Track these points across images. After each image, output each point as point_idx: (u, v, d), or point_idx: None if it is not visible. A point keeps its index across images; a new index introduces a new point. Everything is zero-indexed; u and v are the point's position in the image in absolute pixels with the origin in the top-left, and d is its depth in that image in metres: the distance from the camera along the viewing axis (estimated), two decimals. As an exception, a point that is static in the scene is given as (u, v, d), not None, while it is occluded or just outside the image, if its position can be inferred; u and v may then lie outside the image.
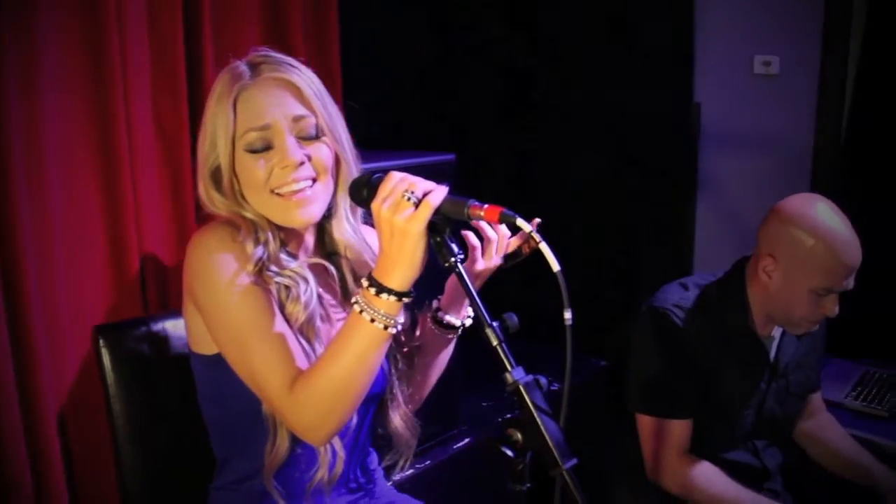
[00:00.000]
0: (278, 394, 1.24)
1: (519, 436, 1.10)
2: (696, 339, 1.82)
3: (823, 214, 1.71)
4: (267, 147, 1.31)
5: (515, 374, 1.09)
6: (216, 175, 1.34)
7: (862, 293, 1.79)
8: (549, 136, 3.54)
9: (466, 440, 2.36)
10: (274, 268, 1.31)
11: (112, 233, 1.92)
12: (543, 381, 1.11)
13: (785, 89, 3.21)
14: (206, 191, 1.36)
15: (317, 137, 1.33)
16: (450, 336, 1.50)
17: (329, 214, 1.41)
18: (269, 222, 1.34)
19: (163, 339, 1.62)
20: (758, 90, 3.27)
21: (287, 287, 1.32)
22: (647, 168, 3.41)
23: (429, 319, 1.49)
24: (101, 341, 1.56)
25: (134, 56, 1.90)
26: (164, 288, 2.07)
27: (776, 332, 1.90)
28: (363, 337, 1.19)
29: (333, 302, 1.45)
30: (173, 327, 1.63)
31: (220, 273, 1.27)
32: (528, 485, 1.13)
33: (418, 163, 2.03)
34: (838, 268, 1.68)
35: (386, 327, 1.18)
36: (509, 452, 1.09)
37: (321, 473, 1.37)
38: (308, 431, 1.25)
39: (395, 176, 1.17)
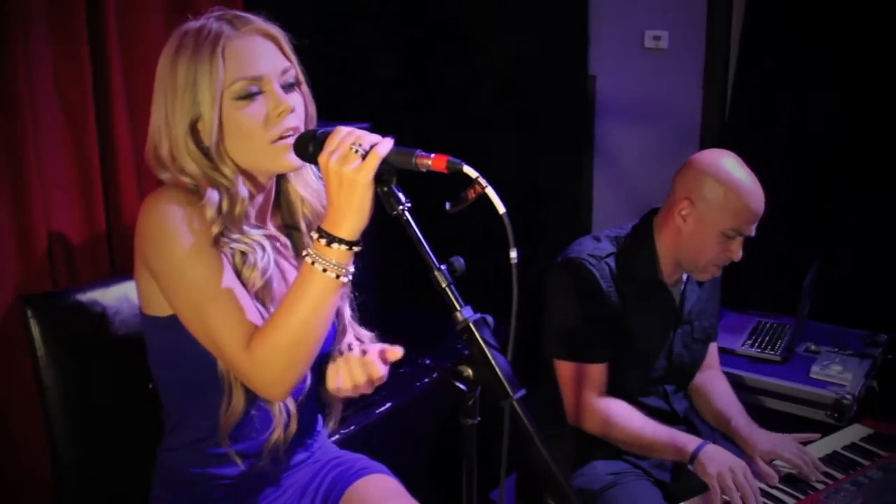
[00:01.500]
0: (237, 352, 1.25)
1: (470, 371, 1.15)
2: (609, 287, 1.93)
3: (735, 165, 1.87)
4: (257, 94, 1.30)
5: (465, 313, 1.14)
6: (194, 131, 1.31)
7: (754, 251, 1.95)
8: (449, 108, 3.60)
9: (388, 405, 2.39)
10: (234, 234, 1.31)
11: (17, 209, 1.86)
12: (490, 319, 1.16)
13: (674, 63, 3.38)
14: (171, 150, 1.32)
15: (295, 87, 1.35)
16: None
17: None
18: (242, 181, 1.33)
19: (93, 308, 1.60)
20: (648, 64, 3.44)
21: (243, 253, 1.32)
22: (545, 138, 3.54)
23: None
24: (28, 311, 1.52)
25: (35, 28, 1.84)
26: (73, 263, 2.02)
27: (682, 281, 2.03)
28: (317, 287, 1.22)
29: (289, 267, 1.46)
30: (102, 296, 1.61)
31: (175, 236, 1.26)
32: (479, 418, 1.18)
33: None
34: (746, 212, 1.83)
35: (338, 276, 1.22)
36: (462, 386, 1.14)
37: (277, 434, 1.39)
38: (268, 387, 1.27)
39: (343, 130, 1.20)
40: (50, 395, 1.53)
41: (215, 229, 1.29)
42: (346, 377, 1.38)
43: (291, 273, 1.45)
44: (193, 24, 1.32)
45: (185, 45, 1.30)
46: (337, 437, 1.69)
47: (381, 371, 1.37)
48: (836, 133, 2.89)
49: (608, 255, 1.95)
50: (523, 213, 3.56)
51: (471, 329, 1.13)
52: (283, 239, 1.47)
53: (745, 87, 3.14)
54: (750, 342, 2.49)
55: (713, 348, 2.18)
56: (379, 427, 2.33)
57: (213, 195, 1.30)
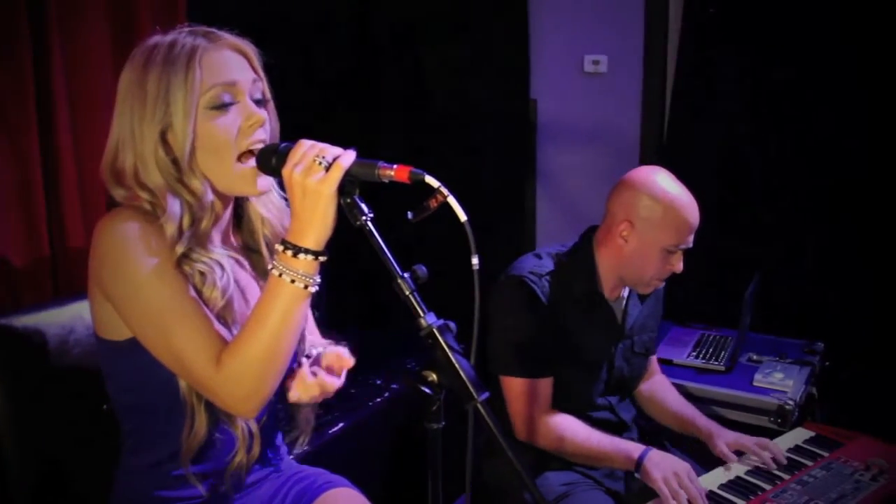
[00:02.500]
0: (206, 370, 1.24)
1: (434, 376, 1.16)
2: (550, 303, 1.95)
3: (669, 182, 1.92)
4: (230, 103, 1.30)
5: (428, 319, 1.15)
6: (164, 142, 1.28)
7: (694, 268, 2.02)
8: (391, 132, 3.62)
9: (340, 424, 2.38)
10: (194, 253, 1.29)
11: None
12: (453, 325, 1.18)
13: (613, 87, 3.48)
14: (136, 162, 1.29)
15: (264, 102, 1.36)
16: None
17: None
18: (210, 194, 1.31)
19: (41, 331, 1.57)
20: (588, 87, 3.53)
21: (202, 273, 1.30)
22: (489, 161, 3.59)
23: None
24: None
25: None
26: (14, 286, 1.98)
27: (623, 296, 2.08)
28: (285, 298, 1.22)
29: (250, 286, 1.45)
30: (49, 318, 1.59)
31: (134, 258, 1.24)
32: (443, 423, 1.19)
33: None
34: (685, 227, 1.89)
35: (306, 286, 1.23)
36: (427, 391, 1.15)
37: (240, 456, 1.38)
38: (240, 403, 1.26)
39: (305, 143, 1.22)
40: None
41: (179, 249, 1.27)
42: (301, 393, 1.38)
43: (253, 292, 1.44)
44: (162, 39, 1.31)
45: (155, 57, 1.29)
46: (291, 457, 1.67)
47: (334, 385, 1.38)
48: (768, 149, 3.01)
49: (549, 272, 1.98)
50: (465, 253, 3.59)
51: (435, 334, 1.14)
52: (243, 259, 1.46)
53: (682, 107, 3.25)
54: (694, 354, 2.56)
55: (652, 357, 2.25)
56: (332, 447, 2.31)
57: (174, 209, 1.28)
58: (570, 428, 1.94)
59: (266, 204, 1.46)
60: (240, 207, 1.47)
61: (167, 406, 1.32)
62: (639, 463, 1.83)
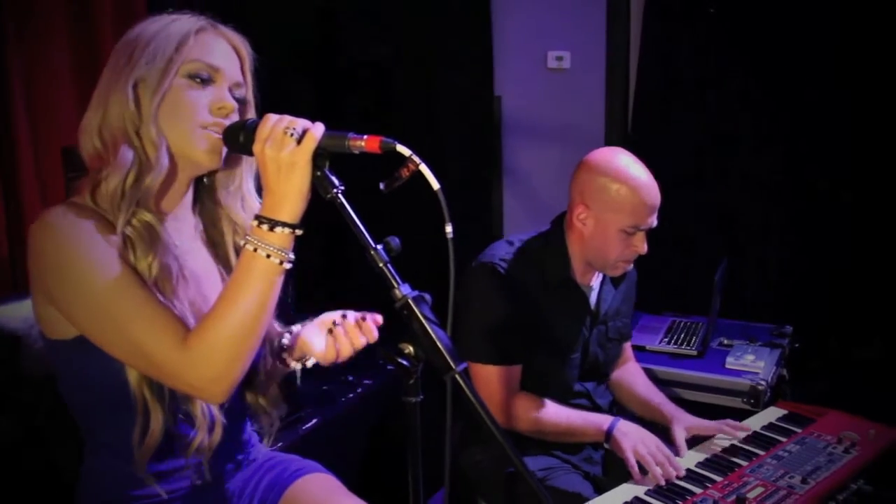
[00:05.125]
0: (171, 354, 1.19)
1: (411, 348, 1.14)
2: (522, 289, 1.94)
3: (624, 162, 1.90)
4: (207, 82, 1.29)
5: (403, 290, 1.13)
6: (135, 92, 1.26)
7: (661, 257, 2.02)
8: (356, 129, 3.59)
9: (314, 421, 2.35)
10: (134, 220, 1.24)
11: None
12: (428, 296, 1.16)
13: (576, 83, 3.51)
14: (106, 102, 1.27)
15: (241, 107, 1.34)
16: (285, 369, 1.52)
17: (225, 182, 1.41)
18: (165, 152, 1.27)
19: (3, 327, 1.53)
20: (552, 84, 3.56)
21: (133, 242, 1.24)
22: (454, 158, 3.58)
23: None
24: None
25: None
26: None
27: (595, 282, 2.07)
28: (260, 274, 1.19)
29: (200, 270, 1.40)
30: (17, 310, 1.54)
31: (73, 255, 1.20)
32: (421, 396, 1.17)
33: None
34: (641, 207, 1.87)
35: (281, 262, 1.20)
36: (405, 363, 1.13)
37: (200, 436, 1.31)
38: (210, 385, 1.21)
39: (272, 117, 1.20)
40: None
41: (121, 214, 1.22)
42: (345, 345, 1.37)
43: (200, 274, 1.39)
44: (169, 13, 1.32)
45: (159, 20, 1.29)
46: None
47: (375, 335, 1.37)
48: (733, 138, 3.05)
49: (521, 258, 1.97)
50: (434, 235, 3.58)
51: (410, 305, 1.12)
52: (206, 250, 1.42)
53: (646, 101, 3.29)
54: (666, 340, 2.57)
55: (626, 344, 2.25)
56: (306, 444, 2.28)
57: (125, 158, 1.24)
58: (542, 408, 1.94)
59: (240, 208, 1.42)
60: (211, 214, 1.43)
61: (121, 405, 1.27)
62: (608, 434, 1.84)
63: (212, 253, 1.44)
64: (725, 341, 2.56)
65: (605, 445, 1.86)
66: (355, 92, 3.60)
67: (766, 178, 3.01)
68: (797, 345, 2.59)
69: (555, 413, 1.93)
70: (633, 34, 3.36)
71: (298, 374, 1.54)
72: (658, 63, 3.22)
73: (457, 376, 1.10)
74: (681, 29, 3.12)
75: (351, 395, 2.50)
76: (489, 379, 1.94)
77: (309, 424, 2.33)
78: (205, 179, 1.42)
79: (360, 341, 1.37)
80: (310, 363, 1.50)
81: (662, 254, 2.01)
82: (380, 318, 1.37)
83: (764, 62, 2.95)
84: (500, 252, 1.98)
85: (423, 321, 1.12)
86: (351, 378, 2.57)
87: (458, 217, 3.36)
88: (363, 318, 1.37)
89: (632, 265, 2.01)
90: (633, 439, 1.80)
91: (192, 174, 1.36)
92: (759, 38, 2.96)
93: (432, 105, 3.61)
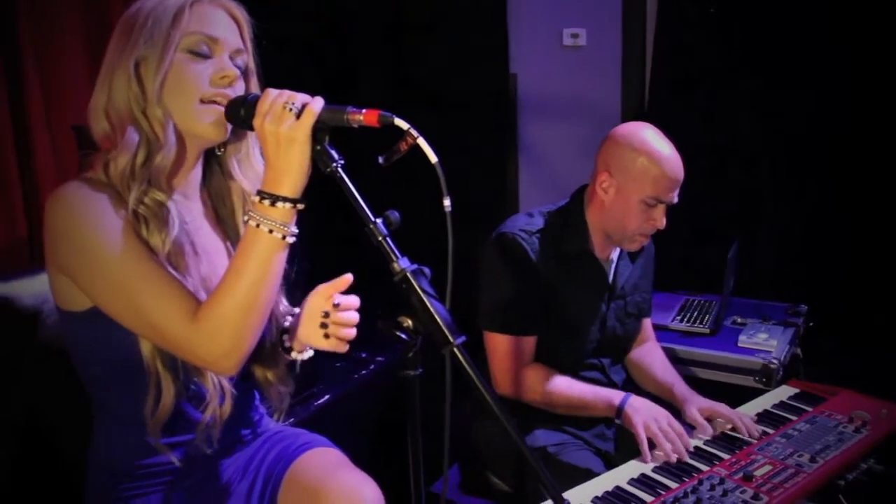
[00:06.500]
0: (182, 328, 1.21)
1: (410, 322, 1.14)
2: (541, 261, 1.95)
3: (651, 135, 1.91)
4: (207, 55, 1.30)
5: (402, 263, 1.13)
6: (137, 72, 1.28)
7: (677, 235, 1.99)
8: (371, 107, 3.59)
9: (326, 397, 2.37)
10: (146, 198, 1.26)
11: None
12: (427, 270, 1.16)
13: (592, 60, 3.48)
14: (110, 86, 1.29)
15: (244, 75, 1.35)
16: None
17: (234, 151, 1.42)
18: (172, 132, 1.29)
19: (16, 301, 1.54)
20: (568, 61, 3.52)
21: (146, 219, 1.27)
22: (470, 135, 3.57)
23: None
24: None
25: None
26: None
27: (613, 256, 2.07)
28: (263, 249, 1.21)
29: (208, 243, 1.42)
30: (30, 285, 1.56)
31: (88, 228, 1.22)
32: (420, 370, 1.17)
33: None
34: (664, 179, 1.87)
35: (284, 237, 1.21)
36: (403, 336, 1.14)
37: (211, 408, 1.34)
38: (221, 359, 1.23)
39: (272, 92, 1.21)
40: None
41: (132, 193, 1.24)
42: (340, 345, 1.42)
43: (210, 251, 1.41)
44: None
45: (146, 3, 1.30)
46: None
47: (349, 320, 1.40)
48: (749, 118, 3.01)
49: (539, 230, 1.98)
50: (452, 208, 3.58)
51: (408, 278, 1.13)
52: (214, 224, 1.44)
53: (662, 78, 3.25)
54: (679, 318, 2.56)
55: (647, 322, 2.23)
56: (317, 420, 2.30)
57: (132, 138, 1.26)
58: (553, 380, 1.94)
59: (249, 167, 1.43)
60: (221, 188, 1.45)
61: (133, 376, 1.29)
62: (619, 409, 1.84)
63: (220, 230, 1.46)
64: (739, 320, 2.55)
65: (616, 421, 1.86)
66: (368, 69, 3.59)
67: (783, 154, 2.96)
68: (812, 324, 2.57)
69: (566, 386, 1.94)
70: (650, 10, 3.32)
71: (298, 365, 1.55)
72: (674, 40, 3.18)
73: (455, 349, 1.10)
74: (698, 4, 3.08)
75: (364, 372, 2.52)
76: (502, 348, 1.95)
77: (321, 400, 2.36)
78: (217, 150, 1.43)
79: (351, 333, 1.40)
80: (307, 355, 1.52)
81: (676, 231, 2.00)
82: (350, 277, 1.39)
83: (786, 34, 2.90)
84: (520, 223, 2.00)
85: (422, 294, 1.12)
86: (364, 355, 2.59)
87: (475, 194, 3.40)
88: (337, 305, 1.39)
89: (649, 240, 2.01)
90: (645, 415, 1.79)
91: (200, 149, 1.38)
92: (779, 14, 2.91)
93: (448, 83, 3.59)
